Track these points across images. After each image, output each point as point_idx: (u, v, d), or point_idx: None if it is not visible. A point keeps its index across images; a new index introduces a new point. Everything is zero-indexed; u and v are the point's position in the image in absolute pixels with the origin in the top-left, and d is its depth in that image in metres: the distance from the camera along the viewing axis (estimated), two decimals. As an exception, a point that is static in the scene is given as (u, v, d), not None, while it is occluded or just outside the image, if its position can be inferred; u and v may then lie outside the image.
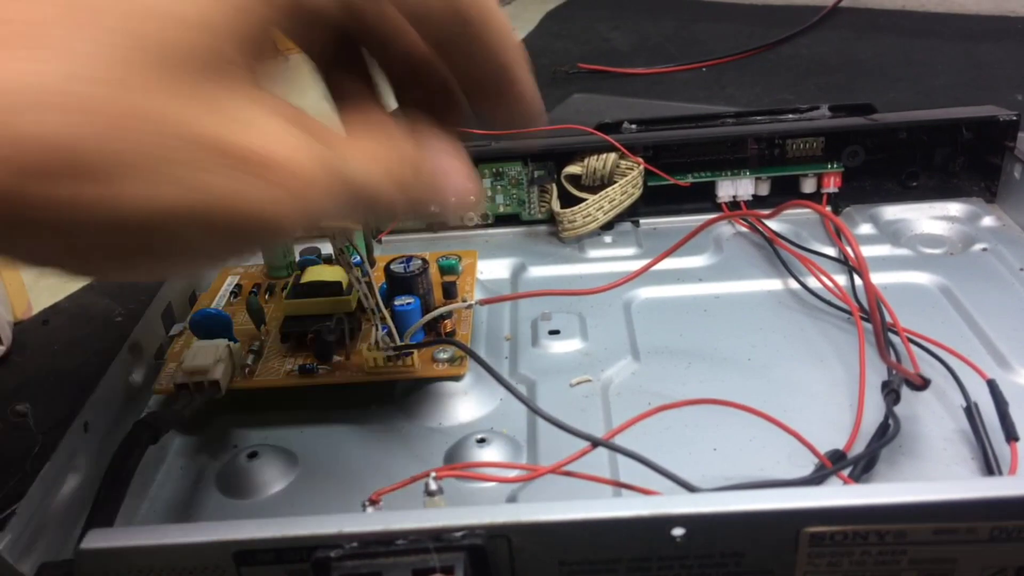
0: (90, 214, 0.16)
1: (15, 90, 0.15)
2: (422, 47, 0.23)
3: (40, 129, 0.15)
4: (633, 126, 0.46)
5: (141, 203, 0.16)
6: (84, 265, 0.18)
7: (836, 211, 0.47)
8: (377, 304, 0.33)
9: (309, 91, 0.23)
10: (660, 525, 0.22)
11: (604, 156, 0.45)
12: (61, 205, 0.15)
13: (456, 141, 0.24)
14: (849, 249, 0.41)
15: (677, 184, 0.46)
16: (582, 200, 0.45)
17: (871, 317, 0.31)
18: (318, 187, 0.18)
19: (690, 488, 0.26)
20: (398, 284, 0.36)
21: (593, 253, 0.45)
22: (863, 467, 0.29)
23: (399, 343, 0.34)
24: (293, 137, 0.18)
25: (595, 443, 0.27)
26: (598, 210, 0.45)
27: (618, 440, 0.31)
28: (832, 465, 0.29)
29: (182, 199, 0.16)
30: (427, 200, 0.23)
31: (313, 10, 0.20)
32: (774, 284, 0.41)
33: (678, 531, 0.22)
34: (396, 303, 0.35)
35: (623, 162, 0.45)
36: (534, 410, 0.28)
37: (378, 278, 0.39)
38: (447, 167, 0.23)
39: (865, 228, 0.45)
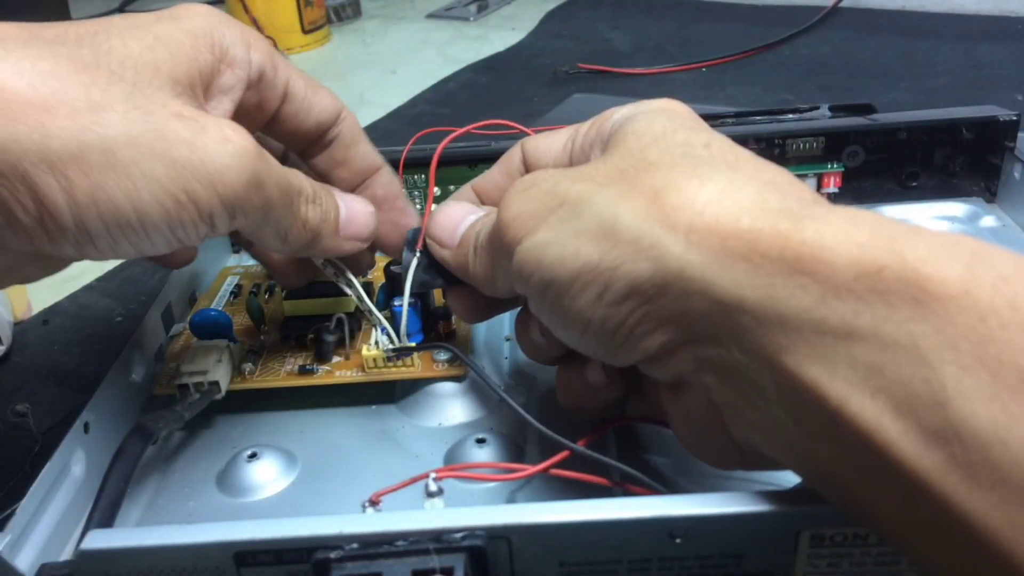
0: None
1: None
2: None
3: None
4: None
5: None
6: None
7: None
8: (370, 309, 0.33)
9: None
10: (660, 526, 0.22)
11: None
12: None
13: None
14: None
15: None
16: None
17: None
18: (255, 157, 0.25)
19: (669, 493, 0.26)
20: (398, 285, 0.36)
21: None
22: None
23: (397, 344, 0.34)
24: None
25: (572, 451, 0.27)
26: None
27: (616, 438, 0.31)
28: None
29: None
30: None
31: (234, 59, 0.27)
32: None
33: (678, 532, 0.22)
34: (395, 304, 0.35)
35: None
36: (523, 415, 0.28)
37: (378, 278, 0.39)
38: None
39: (865, 228, 0.45)
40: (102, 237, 0.23)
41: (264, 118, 0.30)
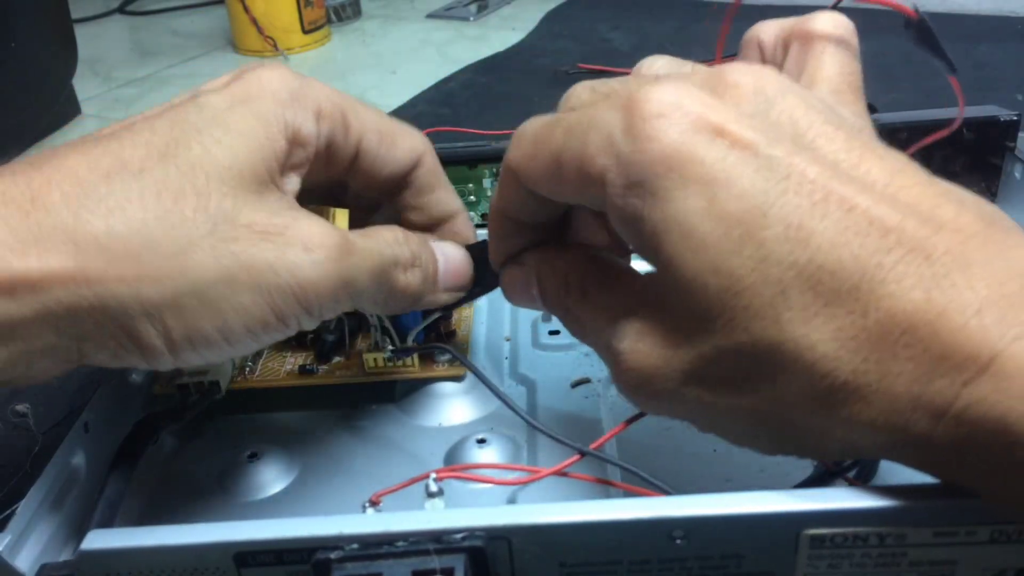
0: None
1: None
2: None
3: None
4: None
5: None
6: None
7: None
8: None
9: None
10: (660, 527, 0.22)
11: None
12: None
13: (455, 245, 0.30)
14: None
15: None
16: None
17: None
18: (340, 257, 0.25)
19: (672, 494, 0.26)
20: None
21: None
22: (863, 471, 0.29)
23: (396, 345, 0.34)
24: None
25: (583, 453, 0.27)
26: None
27: (616, 439, 0.31)
28: (832, 467, 0.29)
29: None
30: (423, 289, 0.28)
31: (305, 138, 0.26)
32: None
33: (678, 533, 0.22)
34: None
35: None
36: (524, 418, 0.28)
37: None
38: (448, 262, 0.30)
39: (865, 229, 0.45)
40: (194, 358, 0.24)
41: (333, 175, 0.29)
